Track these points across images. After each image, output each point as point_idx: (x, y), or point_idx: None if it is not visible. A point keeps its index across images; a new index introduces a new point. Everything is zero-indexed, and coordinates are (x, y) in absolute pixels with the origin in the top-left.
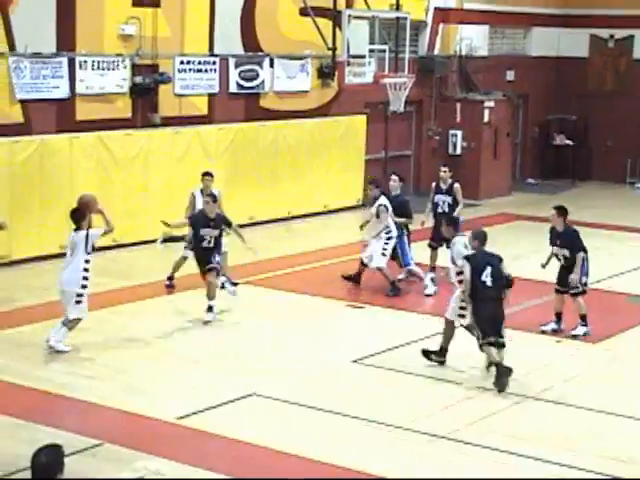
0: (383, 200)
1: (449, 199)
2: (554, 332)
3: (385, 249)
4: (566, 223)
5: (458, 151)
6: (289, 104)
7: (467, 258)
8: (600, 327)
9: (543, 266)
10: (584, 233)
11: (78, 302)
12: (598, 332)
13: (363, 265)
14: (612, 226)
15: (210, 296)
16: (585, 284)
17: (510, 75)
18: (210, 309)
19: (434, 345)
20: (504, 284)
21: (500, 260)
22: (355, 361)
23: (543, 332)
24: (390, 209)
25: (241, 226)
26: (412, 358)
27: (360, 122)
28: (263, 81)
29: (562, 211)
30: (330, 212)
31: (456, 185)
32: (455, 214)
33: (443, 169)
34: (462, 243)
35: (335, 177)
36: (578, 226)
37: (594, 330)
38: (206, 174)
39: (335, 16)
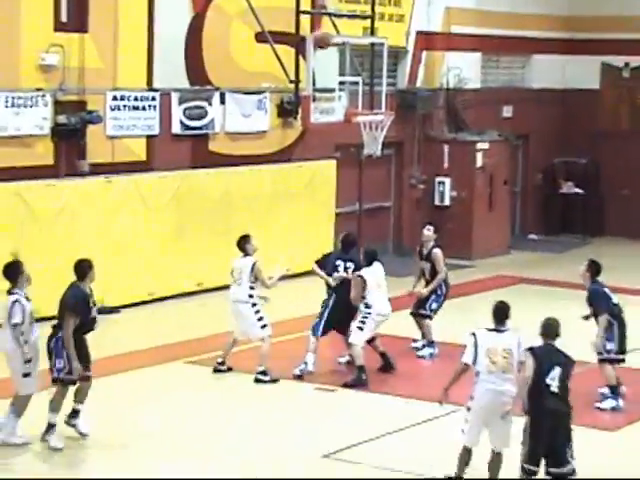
0: None
1: (428, 266)
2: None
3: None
4: (594, 280)
5: (446, 202)
6: (244, 147)
7: (531, 350)
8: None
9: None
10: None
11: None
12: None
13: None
14: (634, 291)
15: None
16: (610, 351)
17: (507, 111)
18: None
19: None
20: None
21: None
22: (327, 456)
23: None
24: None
25: (187, 294)
26: (395, 450)
27: (329, 168)
28: (213, 120)
29: (591, 266)
30: (295, 276)
31: (435, 251)
32: (427, 290)
33: (427, 228)
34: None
35: (300, 235)
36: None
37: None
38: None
39: (298, 43)
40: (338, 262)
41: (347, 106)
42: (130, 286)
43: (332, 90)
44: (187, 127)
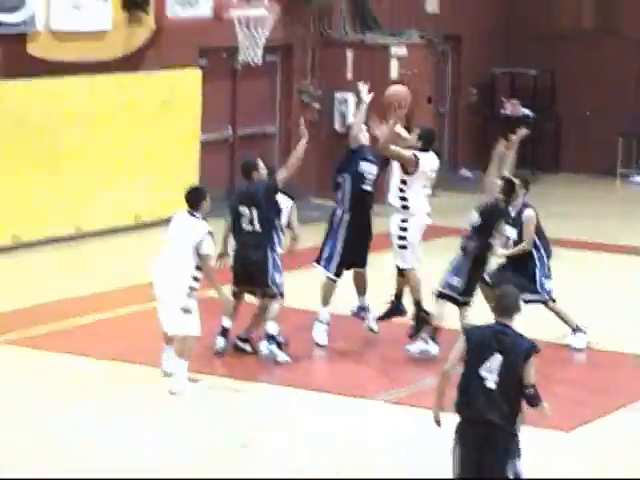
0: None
1: None
2: None
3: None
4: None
5: None
6: (76, 51)
7: (468, 330)
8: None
9: None
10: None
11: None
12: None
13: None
14: (598, 245)
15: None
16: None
17: (431, 3)
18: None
19: None
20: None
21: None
22: None
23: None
24: None
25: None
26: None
27: (192, 80)
28: (33, 15)
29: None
30: (144, 227)
31: None
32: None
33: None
34: None
35: (152, 172)
36: None
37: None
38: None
39: None
40: (363, 165)
41: None
42: None
43: None
44: None
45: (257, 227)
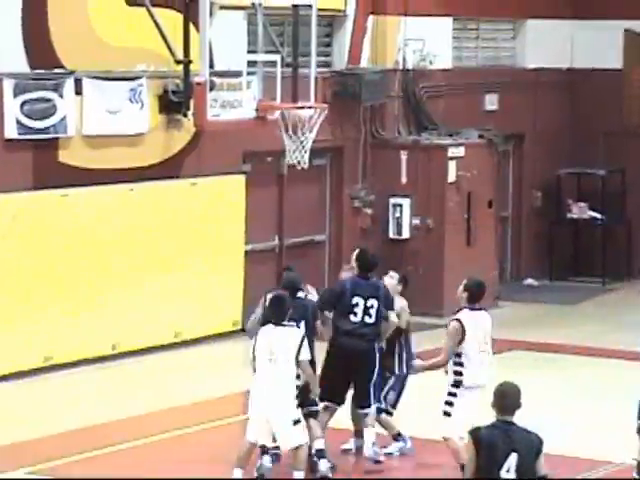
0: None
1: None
2: None
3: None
4: None
5: (405, 233)
6: (110, 158)
7: (475, 433)
8: None
9: None
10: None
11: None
12: None
13: None
14: None
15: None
16: None
17: (491, 102)
18: None
19: None
20: None
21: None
22: None
23: None
24: None
25: (34, 371)
26: None
27: (236, 186)
28: (64, 118)
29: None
30: (185, 344)
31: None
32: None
33: (390, 275)
34: None
35: (193, 285)
36: (615, 359)
37: None
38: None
39: (188, 5)
40: (355, 299)
41: (260, 96)
42: None
43: (238, 73)
44: (27, 129)
45: None
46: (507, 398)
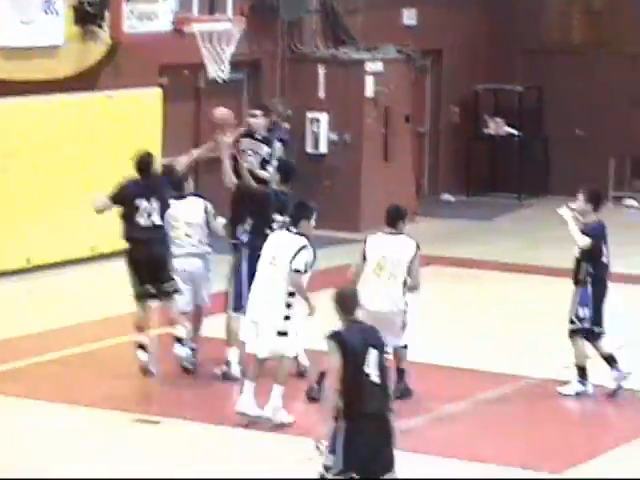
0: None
1: None
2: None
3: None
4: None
5: (322, 148)
6: (25, 70)
7: (337, 336)
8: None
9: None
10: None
11: None
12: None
13: None
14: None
15: None
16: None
17: (410, 17)
18: None
19: None
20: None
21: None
22: None
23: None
24: None
25: None
26: None
27: (152, 99)
28: None
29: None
30: (100, 258)
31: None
32: None
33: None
34: None
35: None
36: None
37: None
38: None
39: None
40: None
41: (177, 10)
42: None
43: None
44: None
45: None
46: (351, 299)
